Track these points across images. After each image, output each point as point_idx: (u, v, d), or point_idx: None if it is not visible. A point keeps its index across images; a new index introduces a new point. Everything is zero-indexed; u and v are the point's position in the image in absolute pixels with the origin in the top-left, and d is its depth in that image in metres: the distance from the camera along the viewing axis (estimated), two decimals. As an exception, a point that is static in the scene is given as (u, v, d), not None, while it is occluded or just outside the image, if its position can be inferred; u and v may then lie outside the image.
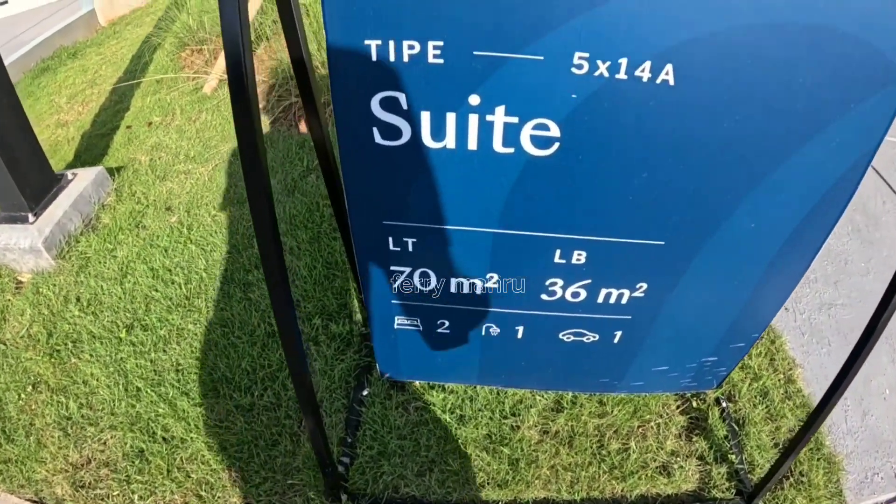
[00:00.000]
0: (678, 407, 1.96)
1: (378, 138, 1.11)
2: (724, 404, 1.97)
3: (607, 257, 1.27)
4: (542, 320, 1.44)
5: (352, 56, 1.02)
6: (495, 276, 1.33)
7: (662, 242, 1.24)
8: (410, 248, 1.30)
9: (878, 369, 2.34)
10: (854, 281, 2.77)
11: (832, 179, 1.14)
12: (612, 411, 1.88)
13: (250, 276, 2.19)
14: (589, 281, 1.33)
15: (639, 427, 1.87)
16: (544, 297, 1.37)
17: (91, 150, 2.99)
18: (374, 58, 1.01)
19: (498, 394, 1.88)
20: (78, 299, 2.22)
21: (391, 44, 0.99)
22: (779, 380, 2.07)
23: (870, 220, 3.24)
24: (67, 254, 2.38)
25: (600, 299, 1.37)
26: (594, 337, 1.49)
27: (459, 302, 1.41)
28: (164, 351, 2.06)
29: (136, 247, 2.37)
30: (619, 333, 1.48)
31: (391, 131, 1.09)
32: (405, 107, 1.06)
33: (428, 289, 1.39)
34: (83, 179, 2.52)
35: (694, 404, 1.98)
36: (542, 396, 1.89)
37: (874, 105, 1.03)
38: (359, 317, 2.04)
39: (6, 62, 4.40)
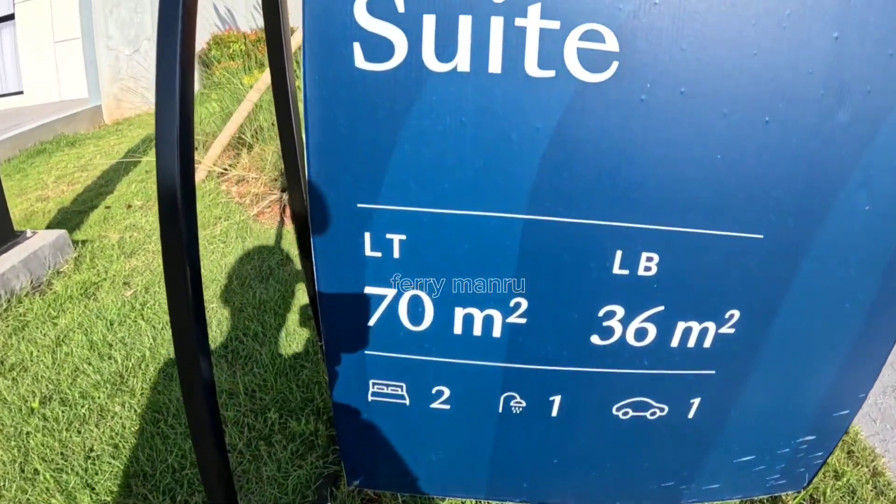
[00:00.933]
0: (751, 522, 1.21)
1: (359, 60, 0.59)
2: None
3: (687, 264, 0.70)
4: (591, 383, 0.78)
5: None
6: (524, 304, 0.72)
7: (761, 236, 0.70)
8: (396, 252, 0.70)
9: None
10: None
11: None
12: (673, 532, 1.11)
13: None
14: (661, 308, 0.73)
15: (716, 557, 1.09)
16: (596, 339, 0.75)
17: (64, 223, 2.34)
18: None
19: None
20: (2, 362, 1.45)
21: None
22: (863, 474, 1.35)
23: None
24: (5, 312, 1.64)
25: (675, 341, 0.76)
26: (662, 410, 0.84)
27: (468, 353, 0.77)
28: (79, 432, 1.24)
29: (80, 316, 1.65)
30: (696, 402, 0.84)
31: (379, 48, 0.58)
32: (401, 8, 0.58)
33: (420, 327, 0.76)
34: (42, 239, 1.86)
35: (770, 515, 1.23)
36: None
37: None
38: (329, 415, 1.32)
39: (4, 137, 3.76)
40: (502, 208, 0.66)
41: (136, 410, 1.30)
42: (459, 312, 0.72)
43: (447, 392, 0.80)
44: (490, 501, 1.06)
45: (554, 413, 0.80)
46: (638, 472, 0.92)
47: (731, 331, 0.76)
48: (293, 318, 1.69)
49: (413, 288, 0.71)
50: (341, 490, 1.11)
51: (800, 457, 0.98)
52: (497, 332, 0.73)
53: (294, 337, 1.60)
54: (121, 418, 1.30)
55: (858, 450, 1.40)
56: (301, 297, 1.81)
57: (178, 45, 0.50)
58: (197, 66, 5.58)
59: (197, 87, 5.36)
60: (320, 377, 1.42)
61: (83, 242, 2.09)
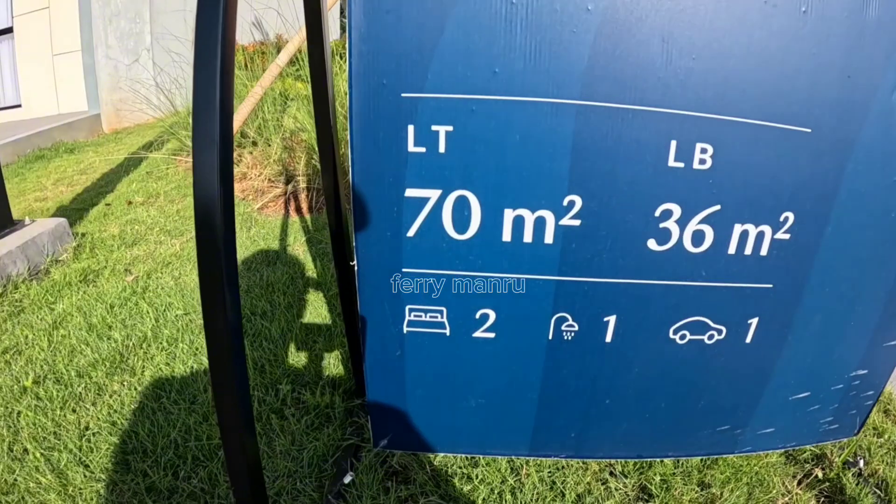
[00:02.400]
0: (800, 481, 1.10)
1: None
2: (860, 464, 1.13)
3: (741, 157, 0.63)
4: (648, 299, 0.70)
5: None
6: (578, 201, 0.65)
7: (809, 130, 0.66)
8: (442, 147, 0.62)
9: None
10: None
11: None
12: (720, 495, 0.99)
13: (203, 338, 1.34)
14: (717, 208, 0.67)
15: (771, 515, 0.98)
16: (653, 244, 0.68)
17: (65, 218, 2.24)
18: None
19: (553, 480, 0.99)
20: None
21: None
22: (904, 430, 1.27)
23: None
24: (0, 298, 1.49)
25: (732, 247, 0.70)
26: (720, 332, 0.76)
27: (516, 264, 0.68)
28: (74, 410, 1.08)
29: (80, 301, 1.49)
30: (754, 323, 0.76)
31: None
32: None
33: (466, 235, 0.68)
34: (40, 227, 1.72)
35: (819, 474, 1.12)
36: (617, 482, 1.00)
37: None
38: (348, 385, 1.19)
39: (4, 141, 3.57)
40: (555, 93, 0.60)
41: (136, 388, 1.16)
42: (509, 215, 0.65)
43: (492, 316, 0.71)
44: (527, 463, 0.94)
45: (608, 338, 0.72)
46: (693, 414, 0.82)
47: (787, 236, 0.70)
48: (302, 296, 1.58)
49: (459, 187, 0.64)
50: (363, 462, 0.98)
51: (852, 395, 0.90)
52: (549, 237, 0.65)
53: (305, 313, 1.48)
54: (119, 396, 1.15)
55: (895, 408, 1.32)
56: (310, 277, 1.70)
57: (217, 47, 0.45)
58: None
59: None
60: (335, 349, 1.30)
61: (83, 234, 1.96)
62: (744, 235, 0.68)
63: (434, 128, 0.61)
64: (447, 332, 0.72)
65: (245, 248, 1.85)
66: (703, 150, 0.63)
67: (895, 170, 0.72)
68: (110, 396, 1.14)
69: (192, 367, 1.22)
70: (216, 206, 0.49)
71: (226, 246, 0.50)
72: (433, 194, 0.64)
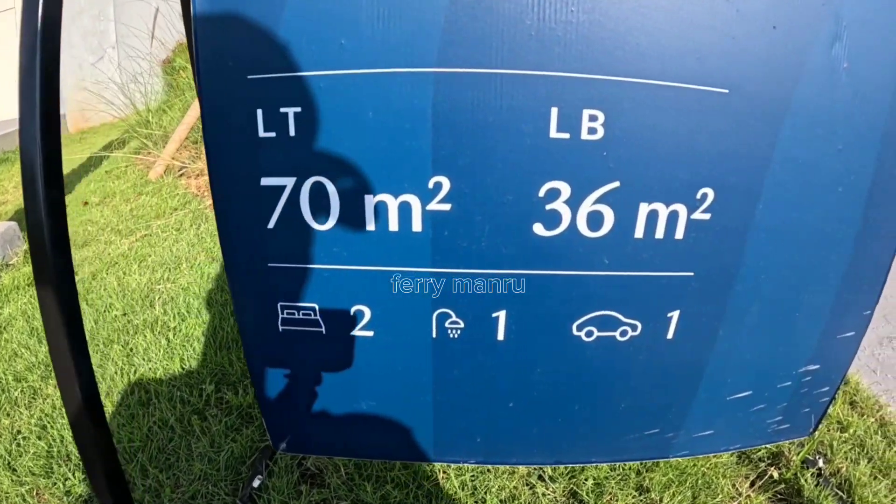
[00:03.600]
0: (752, 483, 0.99)
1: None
2: (820, 463, 1.02)
3: (642, 125, 0.52)
4: (541, 292, 0.59)
5: None
6: (445, 183, 0.54)
7: (727, 90, 0.54)
8: (292, 131, 0.52)
9: None
10: None
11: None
12: (660, 500, 0.89)
13: (138, 339, 1.26)
14: (616, 185, 0.55)
15: (714, 522, 0.88)
16: (540, 229, 0.57)
17: (20, 221, 2.20)
18: None
19: (475, 485, 0.90)
20: None
21: None
22: (870, 424, 1.14)
23: None
24: None
25: (639, 230, 0.59)
26: (634, 328, 0.65)
27: (385, 254, 0.58)
28: (9, 414, 1.05)
29: (25, 305, 1.46)
30: (674, 317, 0.65)
31: None
32: None
33: (326, 225, 0.58)
34: None
35: (774, 474, 1.01)
36: (545, 487, 0.91)
37: None
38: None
39: None
40: (409, 62, 0.50)
41: None
42: (370, 201, 0.55)
43: (368, 313, 0.61)
44: (444, 468, 0.86)
45: (500, 336, 0.62)
46: (614, 417, 0.72)
47: (707, 216, 0.58)
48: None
49: (315, 174, 0.54)
50: (279, 465, 0.91)
51: (804, 392, 0.79)
52: (417, 224, 0.55)
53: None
54: (52, 399, 1.10)
55: (861, 400, 1.19)
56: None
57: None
58: (163, 75, 5.47)
59: (164, 95, 5.21)
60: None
61: None
62: (652, 216, 0.57)
63: (283, 110, 0.51)
64: (323, 330, 0.63)
65: (192, 244, 1.79)
66: (593, 118, 0.52)
67: (842, 137, 0.59)
68: (43, 400, 1.10)
69: (122, 369, 1.17)
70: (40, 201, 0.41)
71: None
72: (288, 182, 0.54)
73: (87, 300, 1.46)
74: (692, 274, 0.61)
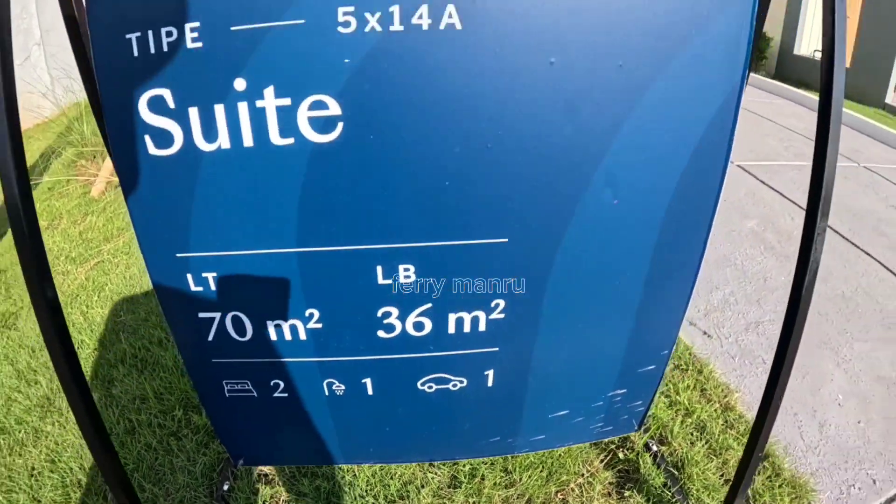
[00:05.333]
0: (602, 461, 1.58)
1: (151, 148, 0.88)
2: (654, 448, 1.61)
3: (442, 269, 1.00)
4: (391, 367, 1.11)
5: (116, 55, 0.84)
6: (316, 313, 1.03)
7: (505, 240, 1.00)
8: (213, 286, 1.00)
9: (825, 377, 2.04)
10: (777, 296, 2.55)
11: (700, 130, 0.94)
12: (520, 479, 1.49)
13: (114, 372, 1.80)
14: (429, 306, 1.04)
15: (557, 493, 1.47)
16: (382, 333, 1.07)
17: None
18: (135, 53, 0.83)
19: (381, 474, 1.48)
20: None
21: (150, 34, 0.82)
22: (715, 410, 1.73)
23: (781, 236, 3.12)
24: None
25: (451, 328, 1.08)
26: (462, 382, 1.17)
27: (286, 353, 1.08)
28: (20, 454, 1.63)
29: (5, 347, 1.99)
30: (490, 373, 1.17)
31: (163, 138, 0.87)
32: (172, 104, 0.85)
33: (246, 338, 1.07)
34: None
35: (620, 455, 1.60)
36: (435, 471, 1.49)
37: (727, 25, 0.86)
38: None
39: None
40: (279, 246, 0.95)
41: (65, 427, 1.67)
42: (271, 325, 1.03)
43: (282, 384, 1.13)
44: (358, 467, 1.43)
45: (370, 392, 1.14)
46: (463, 434, 1.27)
47: (502, 316, 1.07)
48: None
49: (232, 310, 1.02)
50: (240, 471, 1.48)
51: (617, 407, 1.33)
52: (302, 335, 1.04)
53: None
54: (53, 437, 1.66)
55: (711, 387, 1.77)
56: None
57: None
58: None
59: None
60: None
61: None
62: (459, 320, 1.06)
63: (204, 274, 0.99)
64: (255, 394, 1.15)
65: (142, 270, 2.25)
66: (406, 269, 0.98)
67: (617, 250, 1.04)
68: (46, 438, 1.65)
69: (105, 400, 1.70)
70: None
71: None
72: (216, 315, 1.03)
73: (55, 334, 1.97)
74: (497, 349, 1.11)
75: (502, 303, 1.06)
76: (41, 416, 1.73)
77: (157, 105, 0.86)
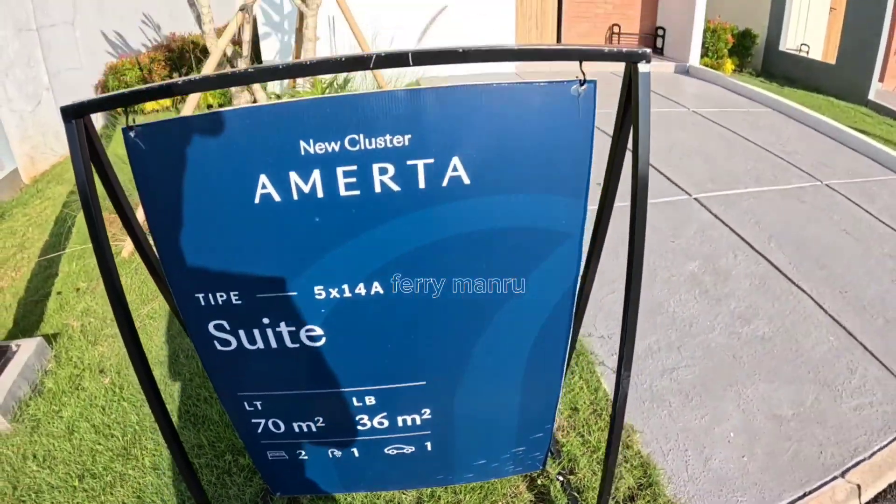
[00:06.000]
0: (526, 486, 2.42)
1: (217, 344, 1.70)
2: (562, 478, 2.44)
3: (391, 397, 1.83)
4: (368, 443, 1.97)
5: (191, 301, 1.63)
6: (321, 419, 1.87)
7: (424, 383, 1.80)
8: (261, 408, 1.85)
9: (723, 416, 2.80)
10: (698, 341, 3.28)
11: (547, 311, 1.70)
12: (464, 498, 2.34)
13: (182, 431, 2.71)
14: (385, 413, 1.87)
15: (489, 508, 2.34)
16: (360, 427, 1.91)
17: (28, 316, 3.60)
18: (202, 303, 1.62)
19: (372, 496, 2.35)
20: (34, 456, 2.72)
21: (210, 295, 1.61)
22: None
23: (719, 277, 3.82)
24: (20, 417, 2.90)
25: (400, 424, 1.91)
26: (412, 449, 2.00)
27: (304, 438, 1.94)
28: (112, 493, 2.54)
29: (78, 407, 2.89)
30: (428, 444, 2.00)
31: (224, 341, 1.69)
32: (229, 327, 1.65)
33: (281, 431, 1.92)
34: (26, 350, 3.08)
35: (539, 481, 2.44)
36: (407, 494, 2.36)
37: (551, 265, 1.60)
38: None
39: None
40: (298, 388, 1.77)
41: (143, 471, 2.56)
42: (295, 424, 1.87)
43: (303, 451, 1.98)
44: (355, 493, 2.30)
45: (357, 455, 2.01)
46: (419, 473, 2.15)
47: (430, 416, 1.89)
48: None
49: (272, 418, 1.85)
50: (274, 497, 2.36)
51: (521, 457, 2.16)
52: (314, 429, 1.88)
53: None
54: (135, 479, 2.56)
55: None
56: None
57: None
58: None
59: (101, 123, 6.41)
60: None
61: (54, 337, 3.34)
62: (404, 420, 1.91)
63: (255, 402, 1.80)
64: (286, 457, 2.00)
65: (180, 333, 3.10)
66: (370, 399, 1.79)
67: (500, 380, 1.84)
68: (131, 480, 2.57)
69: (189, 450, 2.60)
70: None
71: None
72: (263, 420, 1.86)
73: (124, 397, 2.88)
74: (430, 432, 1.95)
75: (428, 409, 1.90)
76: (123, 464, 2.62)
77: (220, 327, 1.66)
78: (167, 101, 7.11)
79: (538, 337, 1.77)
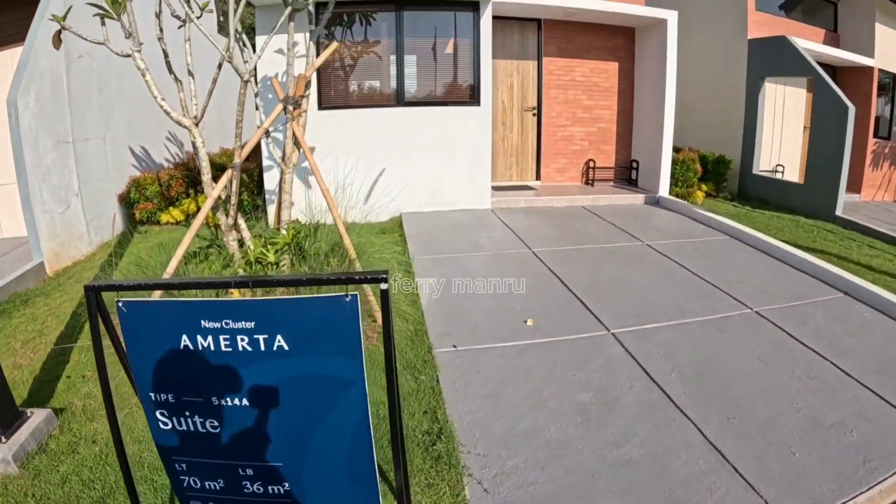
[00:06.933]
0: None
1: (161, 424, 3.07)
2: None
3: (261, 471, 3.08)
4: (252, 502, 3.18)
5: (147, 396, 3.05)
6: (221, 482, 3.14)
7: (281, 464, 3.05)
8: (185, 468, 3.15)
9: None
10: (565, 461, 4.00)
11: (351, 429, 2.95)
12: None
13: (140, 487, 4.03)
14: (260, 482, 3.13)
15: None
16: (245, 490, 3.18)
17: (41, 391, 5.13)
18: (153, 398, 3.03)
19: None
20: (34, 496, 4.16)
21: (157, 394, 3.02)
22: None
23: (606, 406, 4.38)
24: (27, 465, 4.39)
25: (271, 491, 3.15)
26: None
27: (212, 493, 3.22)
28: None
29: (72, 465, 4.32)
30: (292, 509, 3.19)
31: (165, 423, 3.06)
32: (168, 414, 3.03)
33: (197, 487, 3.20)
34: (38, 417, 4.62)
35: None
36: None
37: (347, 398, 2.89)
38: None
39: None
40: (208, 459, 3.09)
41: None
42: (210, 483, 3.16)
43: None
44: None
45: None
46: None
47: (289, 487, 3.11)
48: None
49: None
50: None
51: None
52: (221, 485, 3.15)
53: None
54: None
55: None
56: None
57: None
58: (119, 207, 9.49)
59: (121, 227, 8.91)
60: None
61: (60, 411, 4.92)
62: (271, 487, 3.11)
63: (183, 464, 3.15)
64: (197, 511, 3.28)
65: None
66: (249, 471, 3.07)
67: (333, 460, 3.08)
68: None
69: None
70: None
71: None
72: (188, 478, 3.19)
73: (108, 463, 4.28)
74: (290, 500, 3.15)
75: (287, 483, 3.12)
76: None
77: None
78: (181, 216, 9.47)
79: (350, 445, 3.02)
